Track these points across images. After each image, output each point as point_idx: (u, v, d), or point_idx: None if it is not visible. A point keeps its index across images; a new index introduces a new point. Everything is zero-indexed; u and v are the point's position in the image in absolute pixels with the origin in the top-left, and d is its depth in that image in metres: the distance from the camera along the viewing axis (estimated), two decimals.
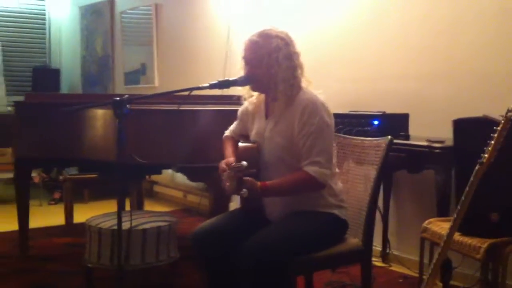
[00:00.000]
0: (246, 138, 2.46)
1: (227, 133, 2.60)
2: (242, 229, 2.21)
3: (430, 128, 3.35)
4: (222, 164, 2.23)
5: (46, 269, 3.54)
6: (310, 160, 2.14)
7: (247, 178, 2.03)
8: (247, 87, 2.38)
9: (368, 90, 3.87)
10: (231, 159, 2.30)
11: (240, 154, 2.29)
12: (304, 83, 2.26)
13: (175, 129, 3.06)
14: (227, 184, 2.08)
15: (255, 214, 2.32)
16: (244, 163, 2.03)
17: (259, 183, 2.09)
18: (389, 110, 3.43)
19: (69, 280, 3.29)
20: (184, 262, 3.12)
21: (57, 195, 5.86)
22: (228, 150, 2.46)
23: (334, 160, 2.33)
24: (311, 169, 2.13)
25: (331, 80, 4.04)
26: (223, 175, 2.15)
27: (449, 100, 3.36)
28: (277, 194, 2.22)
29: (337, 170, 2.39)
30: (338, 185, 2.36)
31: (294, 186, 2.18)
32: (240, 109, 2.54)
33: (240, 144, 2.36)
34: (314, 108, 2.17)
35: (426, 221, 2.67)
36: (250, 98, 2.43)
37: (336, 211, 2.28)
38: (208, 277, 2.27)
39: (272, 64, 2.19)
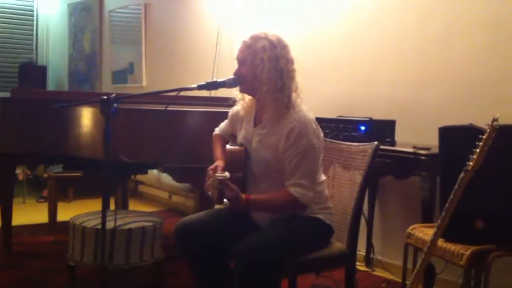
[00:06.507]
0: (235, 138, 2.47)
1: (217, 131, 2.61)
2: (226, 226, 2.29)
3: (417, 135, 3.37)
4: (210, 171, 2.22)
5: (30, 266, 3.51)
6: (293, 181, 2.17)
7: (233, 188, 2.05)
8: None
9: (359, 95, 3.88)
10: (219, 163, 2.29)
11: (227, 157, 2.31)
12: (294, 95, 2.26)
13: (163, 129, 3.05)
14: (210, 192, 2.10)
15: (241, 215, 2.33)
16: (227, 174, 2.04)
17: (243, 196, 2.10)
18: (378, 116, 3.46)
19: (53, 277, 3.28)
20: (169, 262, 3.11)
21: (46, 193, 5.78)
22: (217, 151, 2.46)
23: (320, 169, 2.34)
24: (294, 190, 2.16)
25: (322, 84, 4.06)
26: (207, 182, 2.16)
27: (437, 108, 3.39)
28: (259, 209, 2.28)
29: (323, 177, 2.40)
30: (325, 192, 2.38)
31: (277, 204, 2.22)
32: (231, 110, 2.54)
33: (228, 146, 2.37)
34: (303, 130, 2.17)
35: (410, 227, 2.68)
36: (243, 100, 2.42)
37: (321, 216, 2.30)
38: (191, 269, 2.30)
39: (257, 63, 2.20)
